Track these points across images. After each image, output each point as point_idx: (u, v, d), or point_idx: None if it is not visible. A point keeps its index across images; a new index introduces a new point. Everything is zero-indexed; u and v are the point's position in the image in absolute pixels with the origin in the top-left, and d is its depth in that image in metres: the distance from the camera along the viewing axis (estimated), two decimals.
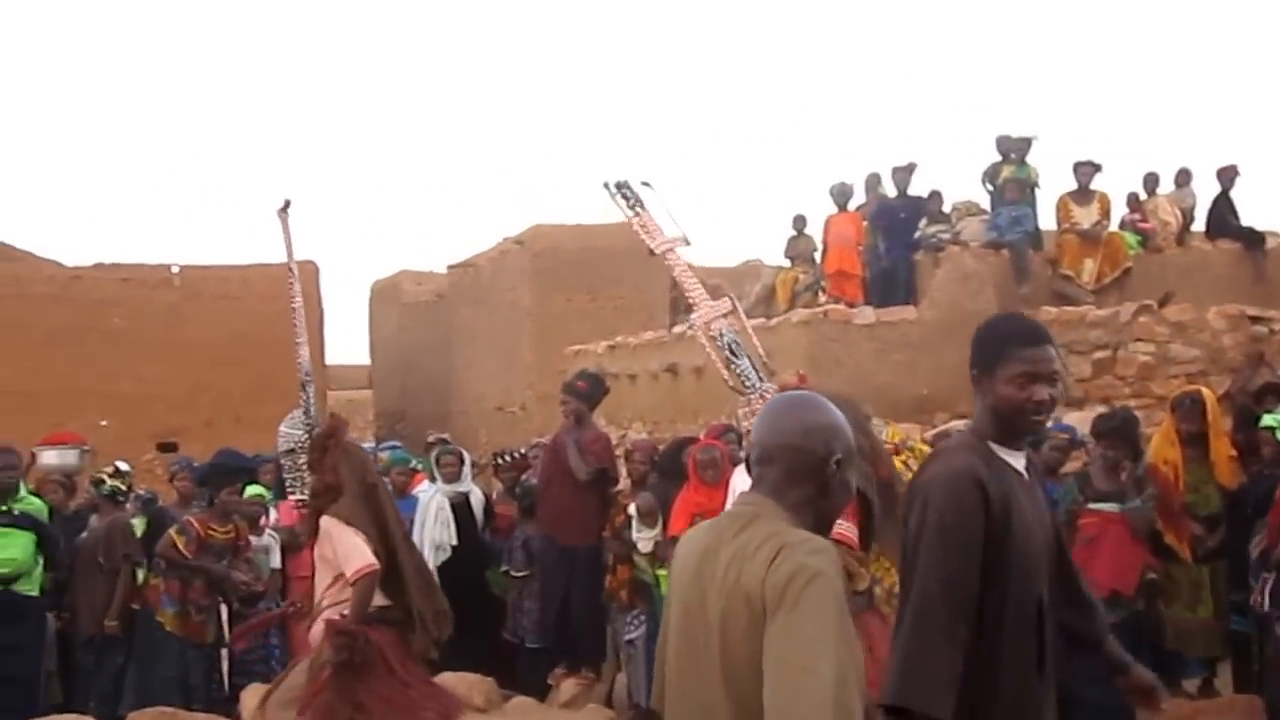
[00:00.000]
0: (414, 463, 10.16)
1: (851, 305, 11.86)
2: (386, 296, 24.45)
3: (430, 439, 11.00)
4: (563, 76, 70.70)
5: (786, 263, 14.88)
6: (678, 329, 7.43)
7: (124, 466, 9.09)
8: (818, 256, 13.99)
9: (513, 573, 8.88)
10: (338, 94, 68.84)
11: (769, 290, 14.77)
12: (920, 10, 67.78)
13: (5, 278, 17.68)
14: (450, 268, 21.41)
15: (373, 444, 12.64)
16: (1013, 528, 3.12)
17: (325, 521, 5.80)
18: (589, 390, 8.63)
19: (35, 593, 8.36)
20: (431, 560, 8.84)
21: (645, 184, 6.57)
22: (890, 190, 13.42)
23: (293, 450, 6.23)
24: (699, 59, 69.25)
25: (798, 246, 14.54)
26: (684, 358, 12.26)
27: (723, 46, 69.36)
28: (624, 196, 6.73)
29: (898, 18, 69.55)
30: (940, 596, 3.03)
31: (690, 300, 6.75)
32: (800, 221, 14.58)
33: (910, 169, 13.21)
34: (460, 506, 9.09)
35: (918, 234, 12.92)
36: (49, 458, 10.13)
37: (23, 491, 8.53)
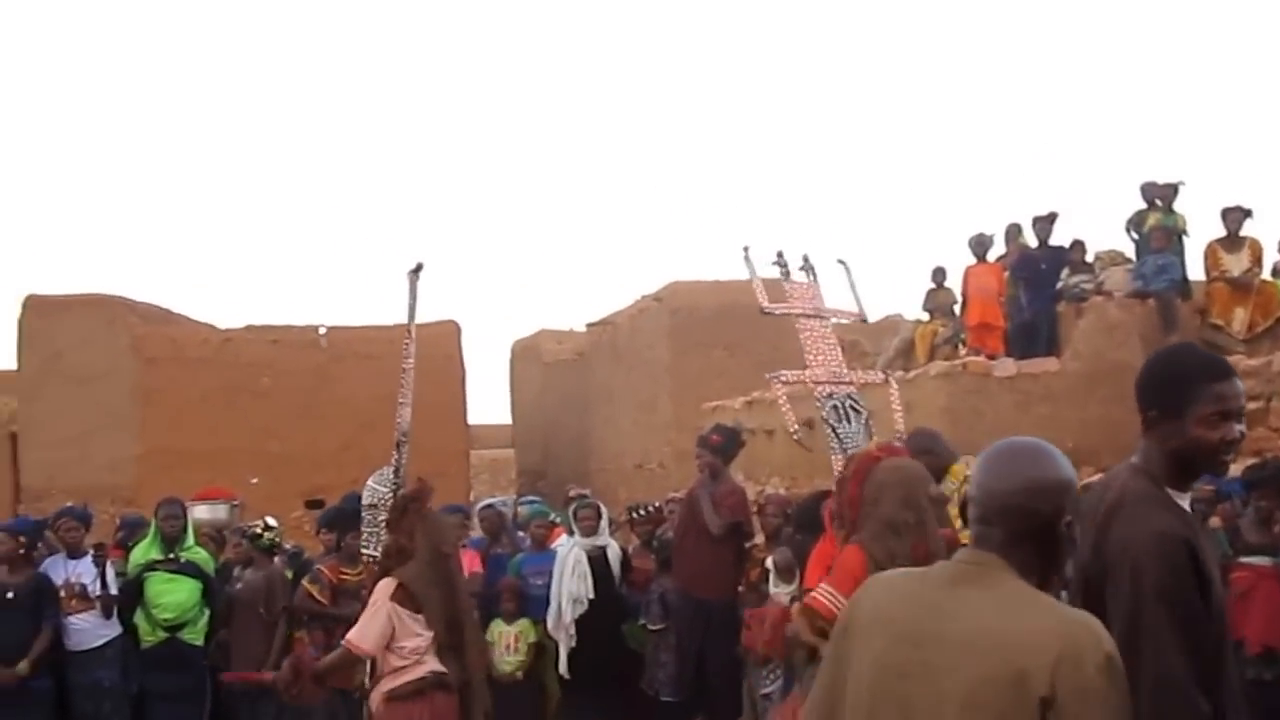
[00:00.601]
0: (552, 516, 10.22)
1: (992, 358, 11.70)
2: (527, 356, 24.72)
3: (570, 493, 11.05)
4: (700, 134, 71.08)
5: (926, 316, 14.75)
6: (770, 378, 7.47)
7: (272, 522, 9.28)
8: (957, 309, 13.85)
9: (649, 626, 8.87)
10: (480, 155, 70.08)
11: (908, 344, 14.65)
12: (1061, 57, 66.87)
13: (162, 340, 18.27)
14: (589, 326, 21.58)
15: (511, 497, 12.70)
16: (1214, 585, 2.91)
17: (380, 584, 6.00)
18: (723, 444, 8.64)
19: (200, 642, 8.64)
20: (569, 614, 8.89)
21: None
22: (1031, 240, 13.26)
23: (375, 506, 6.29)
24: (835, 117, 69.16)
25: (937, 299, 14.42)
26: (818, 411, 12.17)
27: (861, 105, 69.19)
28: (780, 266, 7.04)
29: (1036, 64, 68.71)
30: (1186, 677, 2.75)
31: (808, 360, 6.93)
32: (940, 274, 14.47)
33: (1052, 218, 13.05)
34: (597, 560, 9.10)
35: (1060, 284, 12.75)
36: (201, 512, 10.39)
37: (189, 541, 8.82)
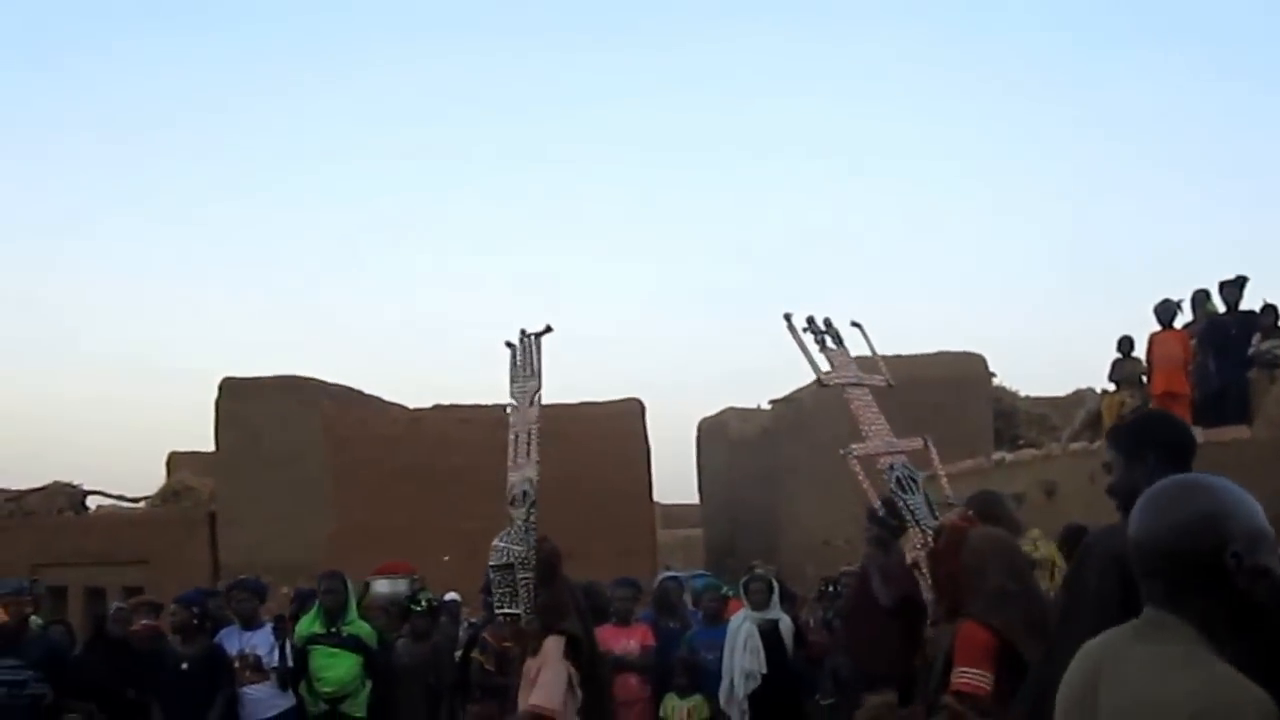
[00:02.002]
0: (725, 590, 10.18)
1: None
2: (714, 433, 24.73)
3: (753, 568, 10.98)
4: (884, 208, 70.62)
5: (1112, 387, 14.37)
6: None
7: (453, 596, 9.41)
8: (1145, 379, 13.47)
9: (821, 700, 8.76)
10: (663, 231, 70.66)
11: (1094, 415, 14.28)
12: (1250, 113, 64.64)
13: (353, 421, 18.78)
14: (773, 403, 21.52)
15: (683, 572, 12.65)
16: None
17: (550, 642, 6.09)
18: (891, 515, 8.49)
19: (361, 714, 8.71)
20: (741, 689, 8.83)
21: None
22: (1219, 306, 12.84)
23: (509, 565, 6.32)
24: (1015, 188, 68.01)
25: (1124, 369, 14.03)
26: (1004, 485, 11.92)
27: (1044, 176, 67.99)
28: (814, 333, 6.90)
29: (1223, 124, 66.54)
30: None
31: (863, 431, 6.78)
32: (1126, 344, 14.08)
33: (1240, 283, 12.61)
34: (769, 634, 9.03)
35: (1251, 350, 12.28)
36: (381, 586, 10.58)
37: (352, 615, 8.94)
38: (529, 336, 6.79)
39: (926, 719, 4.82)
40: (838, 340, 7.55)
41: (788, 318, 7.41)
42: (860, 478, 7.02)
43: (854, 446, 7.16)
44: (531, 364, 6.77)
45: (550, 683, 6.03)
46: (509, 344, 6.76)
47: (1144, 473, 3.49)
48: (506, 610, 6.27)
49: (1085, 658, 2.43)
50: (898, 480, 6.99)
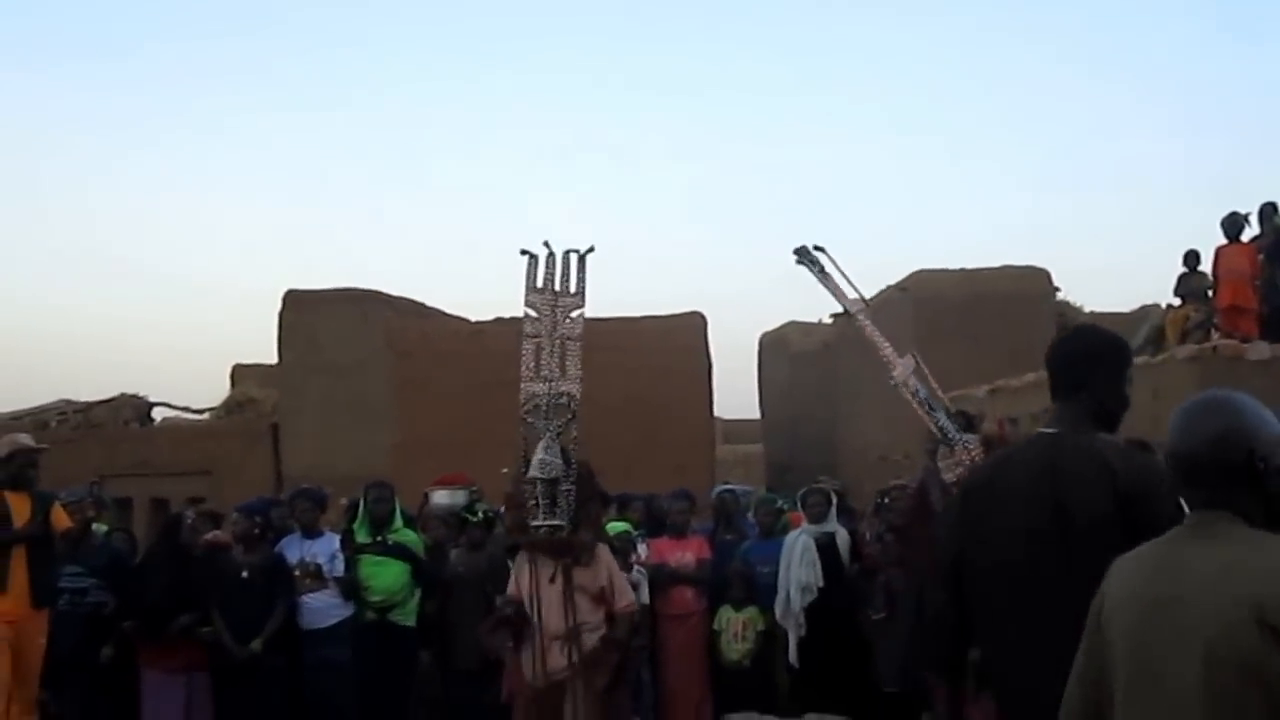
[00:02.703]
0: (779, 503, 10.13)
1: (1245, 341, 11.07)
2: (775, 348, 24.57)
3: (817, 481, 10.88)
4: (947, 121, 69.61)
5: (1177, 302, 14.07)
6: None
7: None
8: (1211, 294, 13.18)
9: (873, 615, 8.70)
10: (723, 144, 70.07)
11: (1157, 331, 14.01)
12: None
13: (415, 334, 18.75)
14: (834, 317, 21.27)
15: (739, 486, 12.55)
16: None
17: (603, 550, 6.46)
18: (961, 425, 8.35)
19: (410, 623, 8.79)
20: (797, 602, 8.79)
21: (819, 249, 6.64)
22: None
23: (555, 480, 6.29)
24: (1080, 97, 66.74)
25: (1189, 284, 13.73)
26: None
27: (1101, 83, 66.63)
28: (810, 262, 6.77)
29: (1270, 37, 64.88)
30: None
31: (884, 359, 6.72)
32: (1192, 258, 13.77)
33: None
34: (826, 547, 8.98)
35: None
36: (439, 498, 10.60)
37: (398, 523, 8.99)
38: (572, 253, 6.73)
39: None
40: (820, 264, 7.44)
41: (801, 253, 7.30)
42: (913, 405, 6.98)
43: (895, 374, 7.11)
44: (572, 282, 6.72)
45: (624, 584, 6.47)
46: (525, 252, 6.69)
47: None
48: (550, 522, 6.25)
49: (1137, 570, 2.66)
50: (925, 402, 6.95)
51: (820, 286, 7.34)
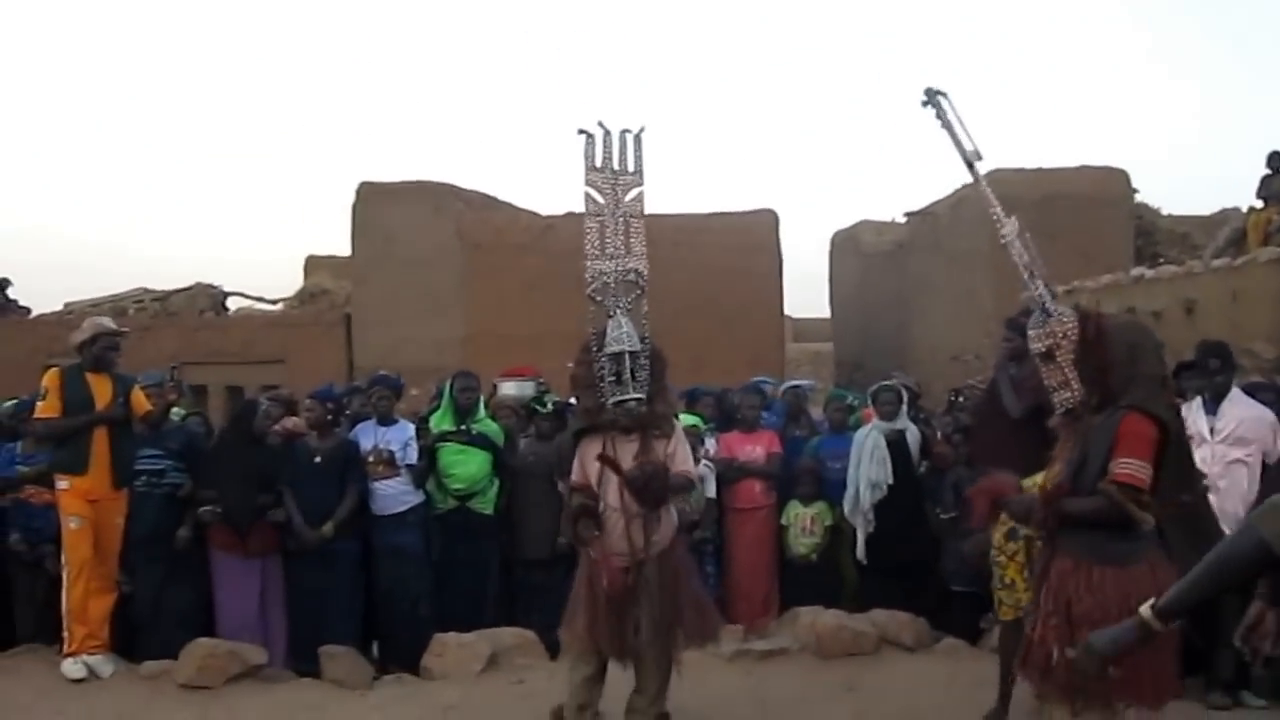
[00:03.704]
0: (850, 399, 10.08)
1: None
2: (847, 247, 24.33)
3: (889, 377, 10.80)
4: (1025, 16, 68.03)
5: (1260, 204, 13.77)
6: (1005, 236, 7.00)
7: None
8: None
9: (941, 514, 8.67)
10: (800, 42, 69.06)
11: (1239, 233, 13.73)
12: None
13: (486, 227, 18.76)
14: (908, 216, 21.04)
15: (806, 381, 12.47)
16: None
17: (678, 424, 6.46)
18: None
19: (489, 511, 8.84)
20: (866, 499, 8.77)
21: (940, 93, 6.45)
22: None
23: (636, 352, 6.25)
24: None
25: (1273, 186, 13.43)
26: (1143, 301, 11.62)
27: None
28: (935, 106, 6.61)
29: None
30: None
31: (994, 215, 6.60)
32: (1276, 159, 13.45)
33: None
34: (896, 444, 8.94)
35: None
36: (508, 388, 10.65)
37: (481, 413, 9.02)
38: (627, 133, 6.66)
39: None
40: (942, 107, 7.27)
41: (931, 94, 7.11)
42: (1017, 263, 6.86)
43: (1005, 232, 6.97)
44: (630, 161, 6.65)
45: (688, 454, 6.46)
46: (582, 131, 6.61)
47: None
48: (633, 395, 6.22)
49: None
50: (1028, 265, 6.83)
51: (944, 133, 7.19)
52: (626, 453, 6.19)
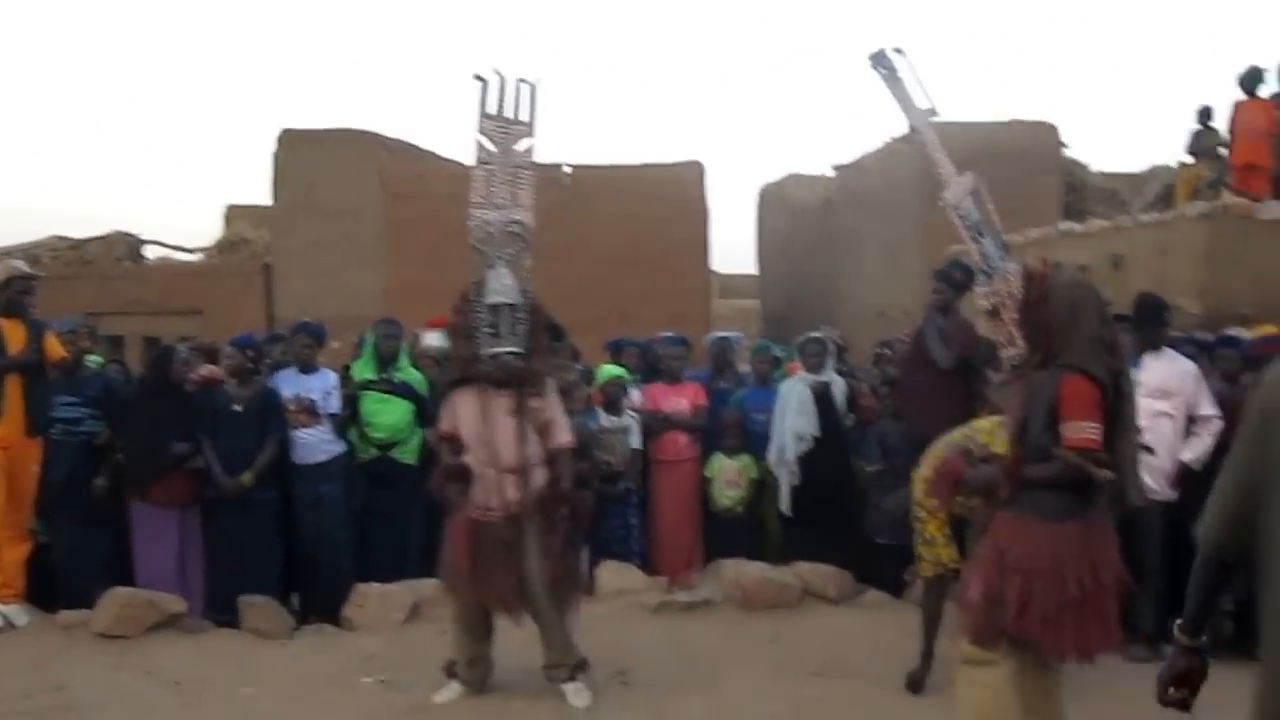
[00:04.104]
0: (775, 351, 10.05)
1: (1256, 200, 10.90)
2: (774, 201, 24.25)
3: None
4: None
5: (1190, 160, 13.86)
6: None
7: None
8: (1224, 152, 12.95)
9: (867, 467, 8.68)
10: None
11: (1167, 188, 13.84)
12: None
13: (408, 177, 18.49)
14: (837, 169, 20.98)
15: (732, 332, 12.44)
16: None
17: (552, 385, 6.45)
18: (964, 279, 8.22)
19: (412, 461, 8.75)
20: (791, 450, 8.76)
21: (898, 50, 6.48)
22: None
23: (514, 305, 6.23)
24: None
25: (1202, 141, 13.51)
26: (1071, 255, 11.64)
27: None
28: (884, 69, 6.64)
29: None
30: None
31: (940, 176, 6.65)
32: (1205, 114, 13.53)
33: None
34: (822, 397, 8.92)
35: None
36: (431, 339, 10.51)
37: (404, 361, 8.96)
38: (522, 82, 6.60)
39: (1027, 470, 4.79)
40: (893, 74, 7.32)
41: (880, 56, 7.17)
42: (958, 227, 6.93)
43: (945, 195, 7.07)
44: (523, 111, 6.59)
45: (565, 422, 6.49)
46: (477, 76, 6.53)
47: None
48: (509, 349, 6.20)
49: None
50: (975, 226, 6.91)
51: (893, 93, 7.22)
52: (499, 407, 6.19)
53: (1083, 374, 4.63)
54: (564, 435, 6.38)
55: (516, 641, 6.59)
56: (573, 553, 6.57)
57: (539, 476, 6.24)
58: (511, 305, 6.24)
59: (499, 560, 6.12)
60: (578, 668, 6.41)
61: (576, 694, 6.35)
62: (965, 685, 4.92)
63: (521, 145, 6.58)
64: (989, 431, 5.62)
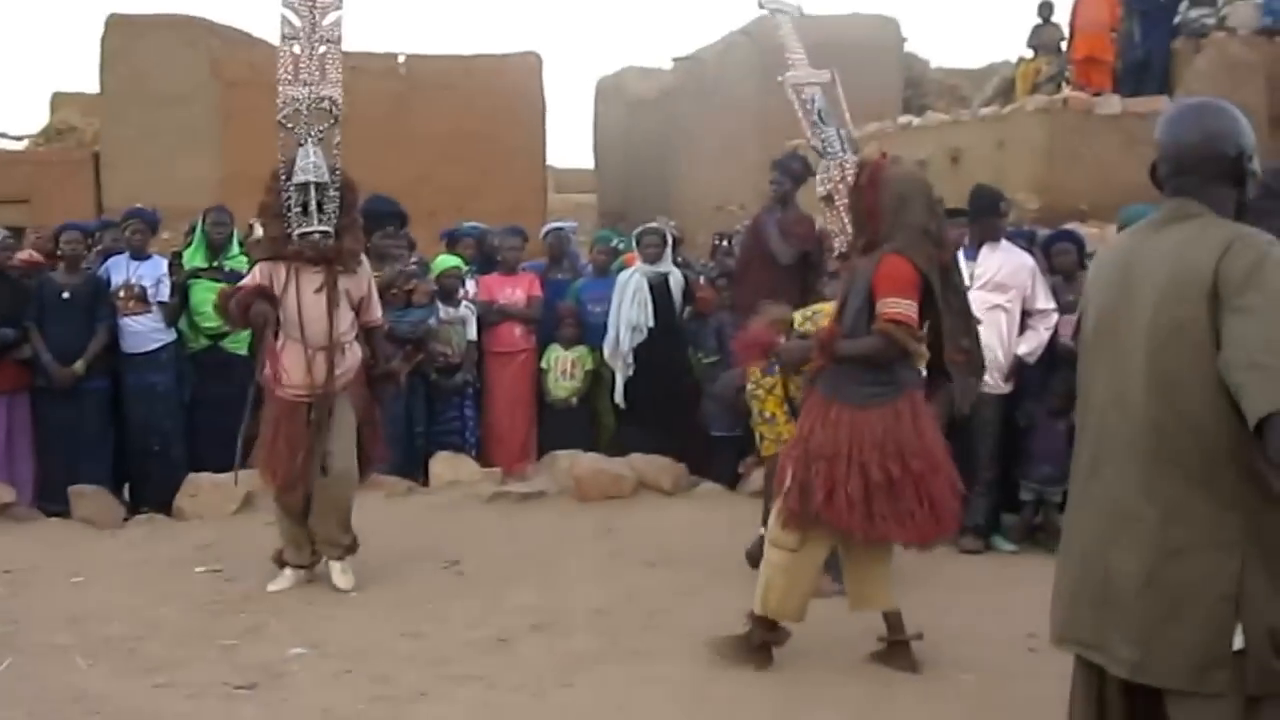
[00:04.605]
0: (615, 241, 9.89)
1: (1097, 94, 10.95)
2: (612, 94, 23.97)
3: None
4: None
5: (1030, 54, 13.91)
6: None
7: None
8: (1065, 46, 13.02)
9: (704, 359, 8.62)
10: None
11: (1008, 83, 13.91)
12: None
13: (242, 64, 17.82)
14: (675, 61, 20.78)
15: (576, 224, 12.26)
16: None
17: (365, 263, 6.46)
18: (802, 170, 8.08)
19: (243, 351, 8.56)
20: (626, 342, 8.63)
21: None
22: None
23: (313, 184, 6.08)
24: None
25: (1042, 35, 13.60)
26: (910, 149, 11.63)
27: None
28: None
29: None
30: None
31: (789, 59, 6.68)
32: (1046, 8, 13.62)
33: None
34: (659, 288, 8.79)
35: (1178, 18, 11.86)
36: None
37: (234, 250, 8.73)
38: None
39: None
40: None
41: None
42: (796, 108, 6.92)
43: (787, 74, 7.02)
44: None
45: (378, 299, 6.57)
46: None
47: None
48: (319, 228, 6.04)
49: (1115, 250, 3.05)
50: (818, 112, 6.90)
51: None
52: (310, 285, 6.11)
53: (904, 257, 4.77)
54: (376, 312, 6.43)
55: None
56: (371, 431, 6.54)
57: (350, 355, 6.21)
58: (320, 184, 6.08)
59: (301, 440, 6.11)
60: (349, 549, 6.44)
61: (342, 574, 6.40)
62: (767, 565, 5.08)
63: (329, 19, 6.40)
64: (829, 315, 5.55)
